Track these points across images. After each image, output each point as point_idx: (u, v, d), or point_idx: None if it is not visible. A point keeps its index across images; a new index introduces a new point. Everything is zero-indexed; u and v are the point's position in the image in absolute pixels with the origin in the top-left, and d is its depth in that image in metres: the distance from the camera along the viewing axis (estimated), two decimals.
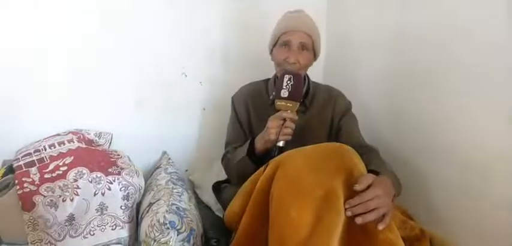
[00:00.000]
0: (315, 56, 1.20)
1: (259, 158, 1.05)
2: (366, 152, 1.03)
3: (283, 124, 0.98)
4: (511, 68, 0.90)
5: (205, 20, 1.48)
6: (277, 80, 1.07)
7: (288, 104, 1.01)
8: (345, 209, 0.76)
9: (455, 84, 1.04)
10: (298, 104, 1.03)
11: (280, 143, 0.98)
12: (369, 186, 0.78)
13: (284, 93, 1.02)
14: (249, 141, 1.10)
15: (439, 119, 1.11)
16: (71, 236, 0.99)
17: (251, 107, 1.22)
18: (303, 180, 0.79)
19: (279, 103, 1.03)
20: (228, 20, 1.52)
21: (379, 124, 1.38)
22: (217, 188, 1.25)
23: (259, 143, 1.04)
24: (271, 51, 1.23)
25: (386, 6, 1.31)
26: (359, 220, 0.75)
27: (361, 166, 0.82)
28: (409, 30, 1.20)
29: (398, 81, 1.27)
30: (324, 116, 1.18)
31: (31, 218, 0.96)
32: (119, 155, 1.18)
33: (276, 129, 0.98)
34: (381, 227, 0.76)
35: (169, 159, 1.40)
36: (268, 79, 1.27)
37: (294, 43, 1.12)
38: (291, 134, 0.99)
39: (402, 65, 1.25)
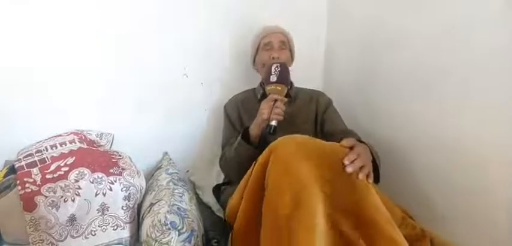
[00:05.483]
0: (292, 56, 1.35)
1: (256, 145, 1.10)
2: (348, 134, 1.12)
3: (274, 105, 1.05)
4: (509, 68, 0.90)
5: (207, 21, 1.48)
6: (265, 72, 1.18)
7: (278, 87, 1.11)
8: (345, 166, 0.80)
9: (455, 84, 1.05)
10: (286, 88, 1.12)
11: (273, 122, 1.04)
12: (352, 147, 0.86)
13: (273, 78, 1.12)
14: (243, 128, 1.15)
15: (440, 119, 1.11)
16: (72, 237, 0.99)
17: (242, 110, 1.32)
18: (296, 165, 0.82)
19: (269, 88, 1.12)
20: (229, 21, 1.52)
21: (379, 124, 1.38)
22: (217, 190, 1.26)
23: (254, 128, 1.10)
24: (253, 61, 1.36)
25: (386, 6, 1.31)
26: (361, 175, 0.80)
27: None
28: (409, 30, 1.20)
29: (399, 81, 1.27)
30: (309, 110, 1.28)
31: (33, 218, 0.97)
32: (120, 155, 1.18)
33: (267, 109, 1.05)
34: (370, 180, 0.82)
35: (171, 160, 1.41)
36: (255, 87, 1.39)
37: (275, 42, 1.28)
38: (282, 114, 1.05)
39: (402, 65, 1.25)
